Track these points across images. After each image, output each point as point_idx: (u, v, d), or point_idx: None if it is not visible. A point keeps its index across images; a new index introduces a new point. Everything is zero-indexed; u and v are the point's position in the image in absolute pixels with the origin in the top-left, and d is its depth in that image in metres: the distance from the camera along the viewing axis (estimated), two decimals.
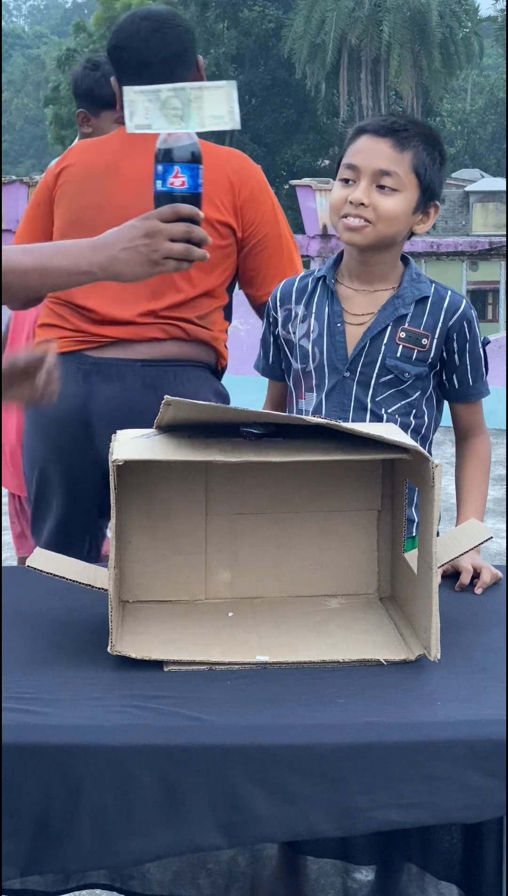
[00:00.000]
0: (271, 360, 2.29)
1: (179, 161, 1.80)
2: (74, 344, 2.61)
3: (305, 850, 2.10)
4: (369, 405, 2.14)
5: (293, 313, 2.21)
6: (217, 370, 2.73)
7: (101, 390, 2.57)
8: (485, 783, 1.40)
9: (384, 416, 2.15)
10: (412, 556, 1.75)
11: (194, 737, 1.40)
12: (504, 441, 7.22)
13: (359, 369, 2.14)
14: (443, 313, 2.15)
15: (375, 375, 2.14)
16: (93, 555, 2.68)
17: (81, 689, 1.51)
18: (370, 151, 2.09)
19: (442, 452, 7.30)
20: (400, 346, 2.13)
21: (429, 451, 2.19)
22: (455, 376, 2.19)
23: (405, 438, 1.68)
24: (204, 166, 2.28)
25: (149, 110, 1.71)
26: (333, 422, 1.64)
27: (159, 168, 1.80)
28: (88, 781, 1.38)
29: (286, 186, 26.06)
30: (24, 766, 1.38)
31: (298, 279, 2.27)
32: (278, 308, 2.25)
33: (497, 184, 33.45)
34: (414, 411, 2.19)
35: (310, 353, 2.17)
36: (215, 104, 1.75)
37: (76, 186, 2.67)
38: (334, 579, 1.88)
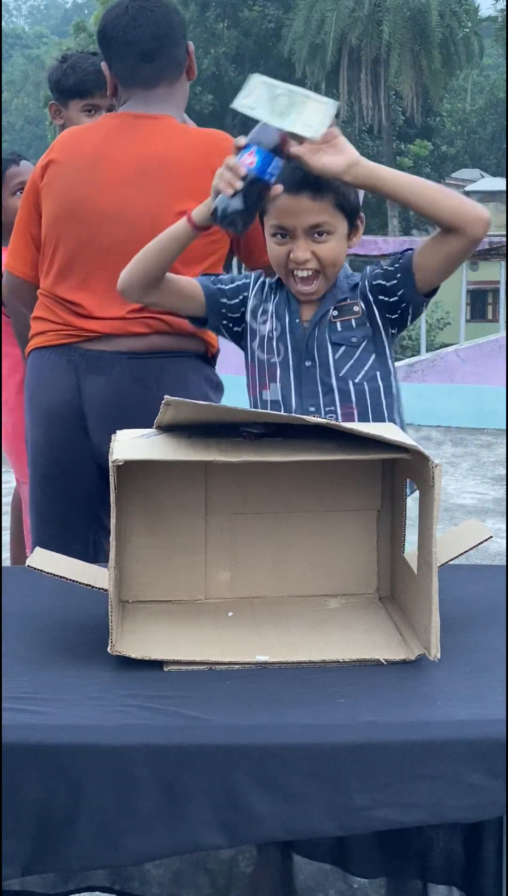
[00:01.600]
0: (220, 294, 2.34)
1: (259, 144, 1.97)
2: (62, 337, 2.63)
3: (302, 853, 2.10)
4: (335, 384, 2.23)
5: (261, 308, 2.31)
6: (208, 357, 2.73)
7: (90, 383, 2.59)
8: (485, 783, 1.40)
9: (353, 389, 2.23)
10: (411, 556, 1.75)
11: (194, 736, 1.41)
12: (505, 441, 7.23)
13: (315, 355, 2.24)
14: (360, 281, 2.28)
15: (330, 355, 2.24)
16: (91, 553, 2.68)
17: (81, 689, 1.51)
18: (294, 211, 2.18)
19: (442, 452, 7.31)
20: (338, 323, 2.25)
21: (399, 406, 2.30)
22: (388, 285, 2.24)
23: (405, 438, 1.68)
24: (190, 154, 2.32)
25: (260, 97, 1.85)
26: (333, 422, 1.64)
27: (242, 144, 1.99)
28: (88, 781, 1.38)
29: None
30: (24, 766, 1.38)
31: (252, 279, 2.37)
32: (252, 293, 2.34)
33: (497, 184, 33.44)
34: (378, 374, 2.27)
35: (275, 349, 2.27)
36: (313, 114, 1.92)
37: (62, 180, 2.66)
38: (333, 579, 1.88)
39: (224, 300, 2.33)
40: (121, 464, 1.62)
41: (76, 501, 2.68)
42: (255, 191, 1.99)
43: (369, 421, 2.22)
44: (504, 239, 8.04)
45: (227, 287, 2.34)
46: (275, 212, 2.20)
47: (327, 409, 2.22)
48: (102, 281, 2.59)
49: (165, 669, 1.60)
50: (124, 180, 2.60)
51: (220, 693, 1.52)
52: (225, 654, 1.64)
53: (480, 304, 31.09)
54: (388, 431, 1.70)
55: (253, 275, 2.38)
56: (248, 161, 1.98)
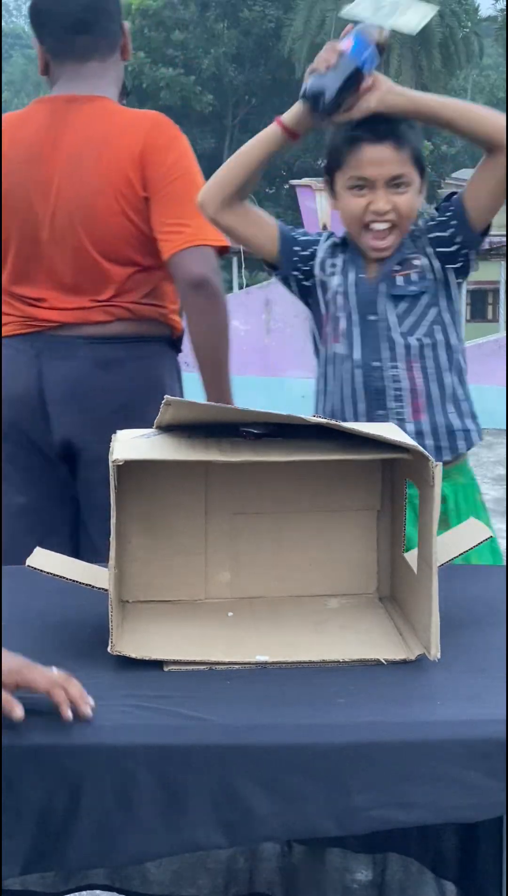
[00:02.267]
0: (293, 242, 2.36)
1: (357, 34, 2.07)
2: (24, 327, 2.63)
3: (303, 841, 2.09)
4: (397, 339, 2.26)
5: (329, 262, 2.33)
6: (174, 341, 2.72)
7: (53, 367, 2.59)
8: (485, 783, 1.40)
9: (416, 345, 2.27)
10: (411, 556, 1.75)
11: (194, 736, 1.41)
12: (504, 441, 7.23)
13: (377, 310, 2.27)
14: (420, 236, 2.29)
15: (393, 310, 2.27)
16: (71, 549, 2.65)
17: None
18: (377, 161, 2.19)
19: None
20: (400, 277, 2.27)
21: (463, 364, 2.31)
22: (446, 235, 2.27)
23: (405, 438, 1.68)
24: (127, 136, 2.46)
25: (366, 5, 1.99)
26: (332, 421, 1.64)
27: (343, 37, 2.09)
28: (88, 781, 1.38)
29: (286, 186, 26.05)
30: (24, 766, 1.38)
31: (323, 237, 2.38)
32: (321, 248, 2.35)
33: None
34: (439, 328, 2.29)
35: (342, 304, 2.30)
36: (413, 15, 2.06)
37: (6, 177, 2.63)
38: (333, 579, 1.88)
39: (297, 248, 2.33)
40: (121, 463, 1.62)
41: (48, 488, 2.66)
42: (347, 72, 2.04)
43: (430, 379, 2.24)
44: (504, 239, 8.04)
45: (300, 237, 2.35)
46: (355, 162, 2.21)
47: (391, 364, 2.25)
48: (53, 274, 2.59)
49: (166, 669, 1.60)
50: (61, 172, 2.57)
51: (220, 693, 1.52)
52: (225, 654, 1.64)
53: (480, 304, 31.06)
54: (388, 431, 1.70)
55: (324, 233, 2.39)
56: (345, 45, 2.04)
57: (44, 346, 2.59)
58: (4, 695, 1.40)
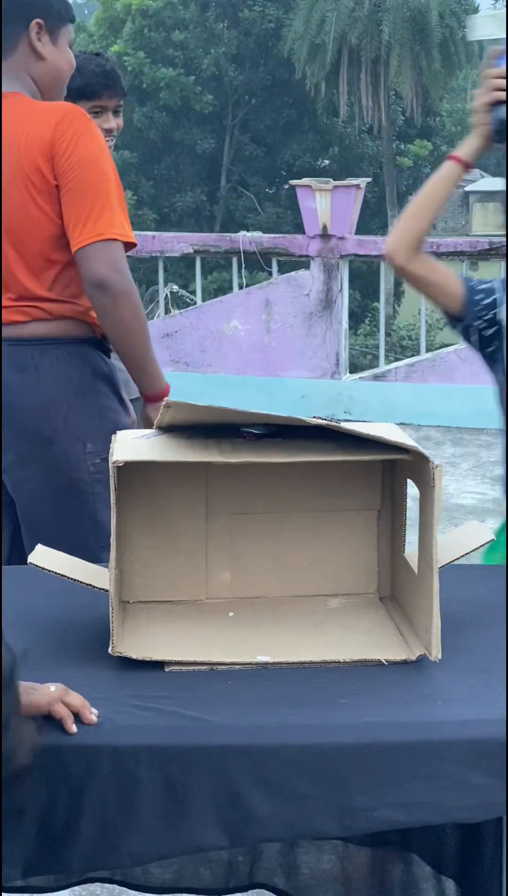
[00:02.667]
0: (474, 291, 2.27)
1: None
2: None
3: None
4: None
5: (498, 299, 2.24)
6: (98, 341, 2.61)
7: None
8: (486, 783, 1.40)
9: None
10: (412, 556, 1.75)
11: (195, 737, 1.41)
12: (504, 441, 7.22)
13: None
14: None
15: None
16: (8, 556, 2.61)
17: (83, 690, 1.51)
18: None
19: (442, 452, 7.30)
20: None
21: None
22: None
23: (405, 439, 1.68)
24: (37, 128, 2.39)
25: (490, 27, 1.87)
26: (333, 423, 1.64)
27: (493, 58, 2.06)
28: (89, 782, 1.38)
29: (286, 186, 26.02)
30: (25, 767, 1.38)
31: (496, 285, 2.28)
32: (498, 296, 2.25)
33: (497, 184, 33.39)
34: None
35: None
36: None
37: None
38: (334, 579, 1.88)
39: (479, 297, 2.25)
40: (121, 465, 1.62)
41: None
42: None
43: None
44: (505, 239, 8.04)
45: (478, 286, 2.27)
46: None
47: None
48: None
49: (166, 670, 1.60)
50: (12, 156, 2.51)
51: (221, 693, 1.52)
52: (226, 654, 1.64)
53: None
54: (388, 432, 1.70)
55: (494, 280, 2.30)
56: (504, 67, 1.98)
57: None
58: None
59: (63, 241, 2.50)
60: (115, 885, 2.10)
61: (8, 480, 2.57)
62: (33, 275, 2.52)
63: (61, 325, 2.54)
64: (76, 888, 2.09)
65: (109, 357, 2.64)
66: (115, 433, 2.51)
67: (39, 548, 1.79)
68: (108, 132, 3.41)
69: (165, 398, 2.58)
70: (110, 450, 1.71)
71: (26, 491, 2.54)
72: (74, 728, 1.41)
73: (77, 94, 3.37)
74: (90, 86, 3.38)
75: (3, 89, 2.55)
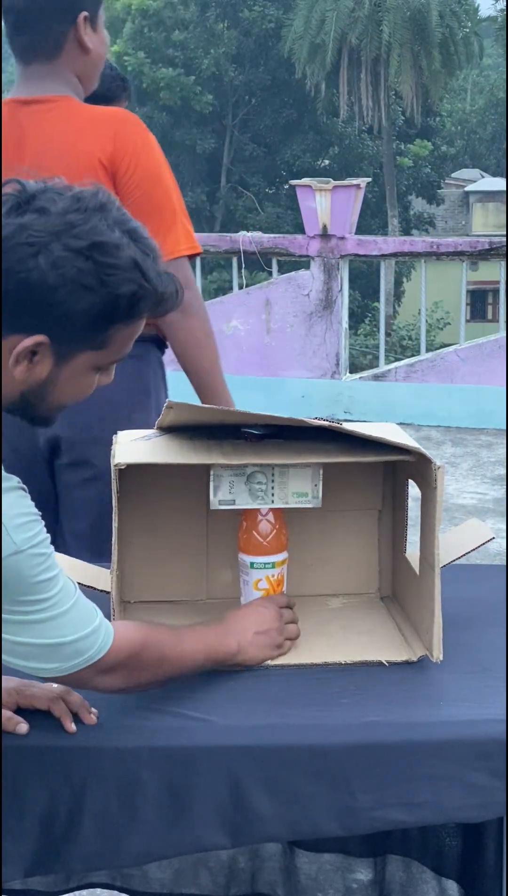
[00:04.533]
0: None
1: None
2: None
3: (304, 846, 2.10)
4: None
5: None
6: (160, 340, 2.59)
7: None
8: (488, 783, 1.40)
9: None
10: (413, 557, 1.75)
11: (197, 737, 1.41)
12: (505, 441, 7.22)
13: None
14: None
15: None
16: None
17: (84, 690, 1.51)
18: None
19: (442, 452, 7.30)
20: None
21: None
22: None
23: (406, 440, 1.68)
24: (87, 138, 2.31)
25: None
26: (334, 423, 1.64)
27: None
28: (91, 782, 1.38)
29: (286, 186, 26.01)
30: (27, 768, 1.38)
31: None
32: None
33: (497, 184, 33.41)
34: None
35: None
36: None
37: None
38: (335, 579, 1.88)
39: None
40: (123, 467, 1.62)
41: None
42: None
43: None
44: (505, 239, 8.03)
45: None
46: None
47: None
48: None
49: None
50: (26, 176, 2.46)
51: (223, 694, 1.52)
52: None
53: (480, 304, 31.06)
54: (390, 433, 1.70)
55: None
56: None
57: None
58: (6, 713, 1.41)
59: None
60: (115, 891, 2.10)
61: (60, 482, 2.51)
62: None
63: None
64: (76, 893, 2.09)
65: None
66: None
67: None
68: None
69: None
70: (112, 451, 1.71)
71: (76, 497, 2.48)
72: (73, 727, 1.41)
73: (96, 98, 3.36)
74: (110, 91, 3.37)
75: (49, 93, 2.45)
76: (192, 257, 2.49)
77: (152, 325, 2.57)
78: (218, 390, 2.56)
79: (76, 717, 1.43)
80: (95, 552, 2.07)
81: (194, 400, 2.34)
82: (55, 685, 1.45)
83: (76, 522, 2.48)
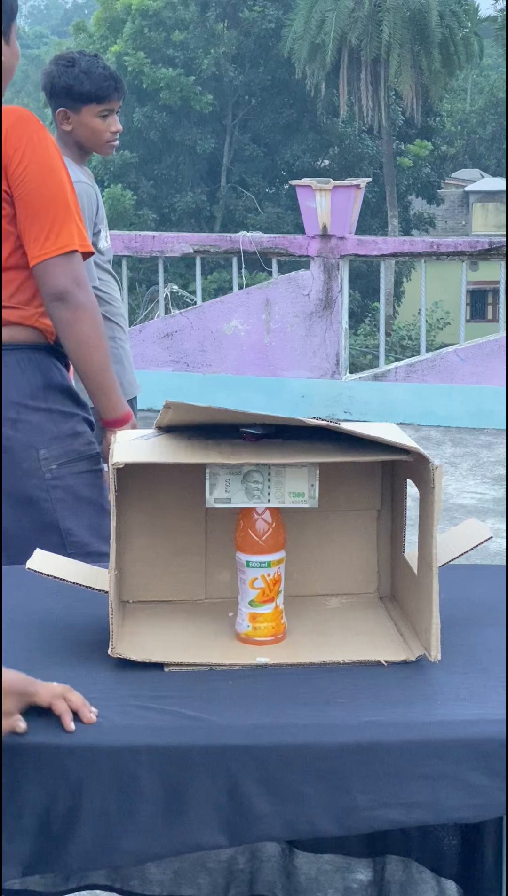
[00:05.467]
0: None
1: None
2: None
3: (303, 847, 2.10)
4: None
5: None
6: (50, 346, 2.50)
7: None
8: (486, 783, 1.40)
9: None
10: (412, 556, 1.75)
11: (195, 736, 1.41)
12: (505, 441, 7.22)
13: None
14: None
15: None
16: None
17: (82, 689, 1.51)
18: None
19: (442, 452, 7.30)
20: None
21: None
22: None
23: (405, 439, 1.68)
24: None
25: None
26: (333, 423, 1.64)
27: None
28: (89, 781, 1.38)
29: (286, 186, 26.01)
30: (25, 767, 1.38)
31: None
32: None
33: (497, 184, 33.40)
34: None
35: None
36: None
37: None
38: (334, 579, 1.88)
39: None
40: (121, 466, 1.62)
41: None
42: None
43: None
44: (505, 239, 8.03)
45: None
46: None
47: None
48: None
49: (166, 670, 1.60)
50: None
51: (220, 693, 1.52)
52: (226, 655, 1.64)
53: (480, 304, 31.07)
54: (388, 433, 1.70)
55: None
56: None
57: None
58: (6, 717, 1.40)
59: (10, 245, 2.41)
60: (114, 893, 2.10)
61: None
62: None
63: (9, 330, 2.44)
64: (75, 895, 2.09)
65: (66, 366, 2.54)
66: (74, 437, 2.39)
67: (38, 552, 1.79)
68: (116, 134, 3.43)
69: (128, 423, 2.51)
70: (110, 451, 1.70)
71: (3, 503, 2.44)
72: (72, 726, 1.41)
73: (88, 98, 3.38)
74: (102, 90, 3.39)
75: None
76: (85, 257, 2.46)
77: (35, 330, 2.46)
78: (110, 392, 2.52)
79: (76, 716, 1.43)
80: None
81: (193, 399, 2.32)
82: (56, 683, 1.45)
83: (8, 530, 2.42)
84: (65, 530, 2.41)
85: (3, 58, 2.48)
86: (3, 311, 2.42)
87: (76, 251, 2.40)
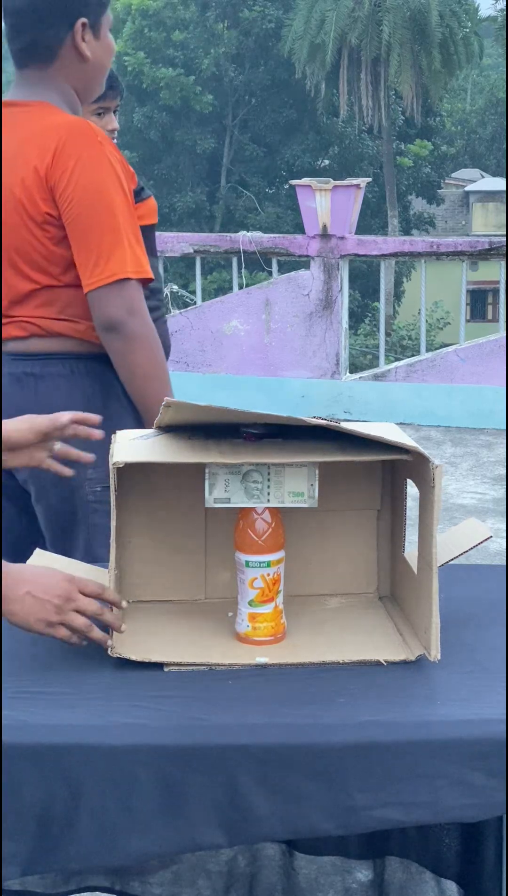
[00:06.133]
0: None
1: None
2: None
3: (303, 849, 2.10)
4: None
5: None
6: (100, 356, 2.40)
7: None
8: (485, 782, 1.40)
9: None
10: (411, 556, 1.75)
11: (194, 736, 1.41)
12: (505, 441, 7.22)
13: None
14: None
15: None
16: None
17: (82, 689, 1.51)
18: None
19: (442, 452, 7.30)
20: None
21: None
22: None
23: (405, 439, 1.68)
24: (39, 140, 2.25)
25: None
26: (333, 422, 1.64)
27: None
28: (89, 781, 1.38)
29: (286, 186, 26.02)
30: (25, 767, 1.38)
31: None
32: None
33: (497, 184, 33.42)
34: None
35: None
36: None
37: None
38: (333, 579, 1.88)
39: None
40: (121, 466, 1.62)
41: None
42: None
43: None
44: (505, 239, 8.03)
45: None
46: None
47: None
48: None
49: (166, 670, 1.60)
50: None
51: (220, 693, 1.52)
52: (225, 655, 1.64)
53: (480, 304, 31.09)
54: (388, 432, 1.70)
55: None
56: None
57: None
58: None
59: (60, 263, 2.35)
60: (113, 895, 2.10)
61: (32, 488, 2.43)
62: (25, 292, 2.37)
63: (57, 342, 2.39)
64: None
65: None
66: None
67: (38, 551, 1.79)
68: (112, 132, 3.42)
69: None
70: (110, 450, 1.70)
71: (44, 505, 2.41)
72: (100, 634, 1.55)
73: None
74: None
75: (29, 98, 2.38)
76: (143, 283, 2.35)
77: (86, 342, 2.40)
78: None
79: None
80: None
81: (193, 399, 2.31)
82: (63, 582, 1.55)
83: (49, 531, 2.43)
84: (95, 559, 2.35)
85: (92, 54, 2.39)
86: (53, 323, 2.37)
87: (129, 279, 2.30)
